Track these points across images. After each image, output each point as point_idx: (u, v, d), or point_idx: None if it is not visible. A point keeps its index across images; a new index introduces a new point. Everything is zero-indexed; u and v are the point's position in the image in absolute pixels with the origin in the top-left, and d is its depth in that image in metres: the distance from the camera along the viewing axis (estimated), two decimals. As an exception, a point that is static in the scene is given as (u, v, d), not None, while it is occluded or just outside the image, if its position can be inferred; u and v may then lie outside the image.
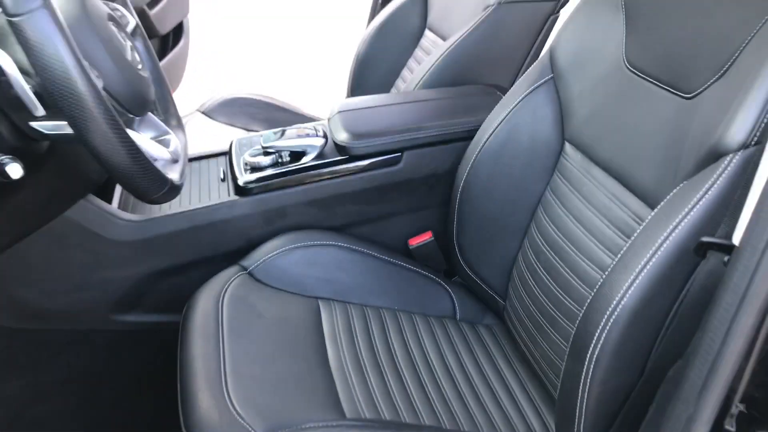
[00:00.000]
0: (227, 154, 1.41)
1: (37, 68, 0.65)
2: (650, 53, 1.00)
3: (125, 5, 0.97)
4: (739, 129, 0.79)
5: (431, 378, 1.09)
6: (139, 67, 0.86)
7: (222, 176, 1.35)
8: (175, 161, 0.89)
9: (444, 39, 1.67)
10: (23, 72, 0.72)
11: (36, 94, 0.74)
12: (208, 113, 1.83)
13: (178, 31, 2.61)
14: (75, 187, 1.11)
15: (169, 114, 1.00)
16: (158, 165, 0.82)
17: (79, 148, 1.05)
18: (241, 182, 1.28)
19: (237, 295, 1.14)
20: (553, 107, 1.16)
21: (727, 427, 0.69)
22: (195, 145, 1.53)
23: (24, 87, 0.72)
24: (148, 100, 0.88)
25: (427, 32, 1.80)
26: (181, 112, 1.17)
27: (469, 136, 1.27)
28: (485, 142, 1.20)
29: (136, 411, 1.38)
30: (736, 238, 0.70)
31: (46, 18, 0.63)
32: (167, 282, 1.27)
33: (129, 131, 0.75)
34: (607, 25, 1.10)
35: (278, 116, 1.87)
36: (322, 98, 3.42)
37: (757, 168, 0.71)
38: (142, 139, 0.83)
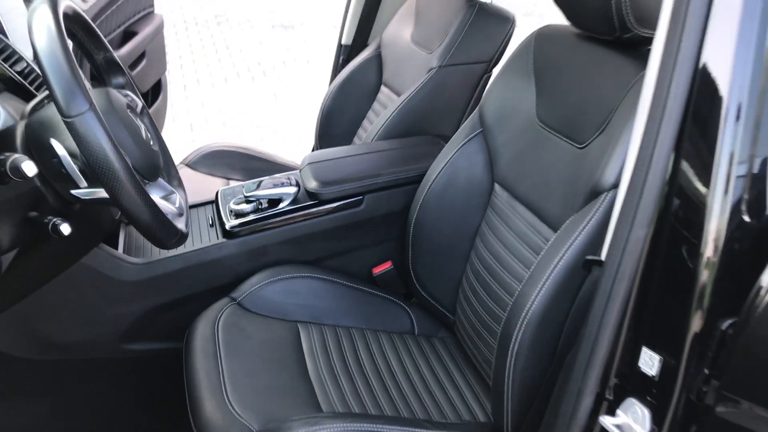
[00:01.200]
0: (214, 202, 1.64)
1: (84, 153, 0.88)
2: (554, 112, 1.27)
3: (133, 90, 1.20)
4: (610, 173, 1.05)
5: (393, 381, 1.33)
6: (151, 143, 1.10)
7: (210, 222, 1.58)
8: (180, 214, 1.12)
9: (397, 94, 1.94)
10: (70, 154, 0.96)
11: (80, 170, 0.97)
12: (192, 165, 2.06)
13: (157, 88, 2.84)
14: (91, 237, 1.33)
15: (171, 176, 1.23)
16: (168, 218, 1.05)
17: (96, 207, 1.28)
18: (227, 227, 1.51)
19: (229, 322, 1.36)
20: (483, 155, 1.42)
21: (607, 396, 0.94)
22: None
23: (72, 165, 0.96)
24: (158, 167, 1.11)
25: (383, 88, 2.06)
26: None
27: (418, 179, 1.52)
28: (431, 185, 1.45)
29: (144, 425, 1.58)
30: (604, 255, 0.96)
31: (92, 118, 0.87)
32: (167, 314, 1.48)
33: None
34: (522, 88, 1.36)
35: (254, 165, 2.10)
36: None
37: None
38: (156, 199, 1.06)
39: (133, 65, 2.55)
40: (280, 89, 4.80)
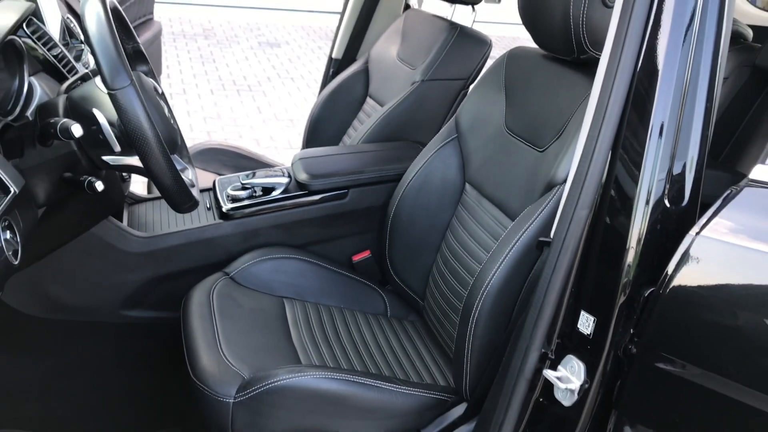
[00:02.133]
0: (211, 190, 1.81)
1: (124, 122, 1.04)
2: (520, 121, 1.47)
3: (154, 77, 1.37)
4: (562, 170, 1.24)
5: (366, 350, 1.49)
6: (172, 120, 1.26)
7: (208, 206, 1.74)
8: (193, 185, 1.28)
9: (381, 105, 2.12)
10: (109, 123, 1.12)
11: (116, 137, 1.13)
12: (187, 159, 2.21)
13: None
14: (103, 209, 1.48)
15: (183, 154, 1.39)
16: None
17: (111, 181, 1.43)
18: (224, 209, 1.67)
19: (223, 292, 1.52)
20: (457, 158, 1.61)
21: (550, 356, 1.12)
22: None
23: (110, 132, 1.12)
24: (177, 142, 1.27)
25: (368, 99, 2.25)
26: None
27: (398, 178, 1.70)
28: (408, 183, 1.64)
29: (141, 388, 1.71)
30: (552, 234, 1.14)
31: (133, 92, 1.04)
32: (166, 285, 1.63)
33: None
34: (494, 100, 1.56)
35: (245, 163, 2.27)
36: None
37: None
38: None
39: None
40: (265, 103, 4.97)
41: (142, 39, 2.76)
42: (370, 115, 2.15)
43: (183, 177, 1.22)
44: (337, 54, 2.39)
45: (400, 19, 2.23)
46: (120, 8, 1.25)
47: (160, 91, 1.31)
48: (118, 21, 1.27)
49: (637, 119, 1.06)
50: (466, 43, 1.96)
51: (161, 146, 1.08)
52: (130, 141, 1.06)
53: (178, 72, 5.42)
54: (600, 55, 1.26)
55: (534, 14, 1.37)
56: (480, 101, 1.61)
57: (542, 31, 1.37)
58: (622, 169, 1.08)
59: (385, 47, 2.21)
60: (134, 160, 1.14)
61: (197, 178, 1.35)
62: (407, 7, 2.39)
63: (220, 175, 2.22)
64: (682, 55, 1.04)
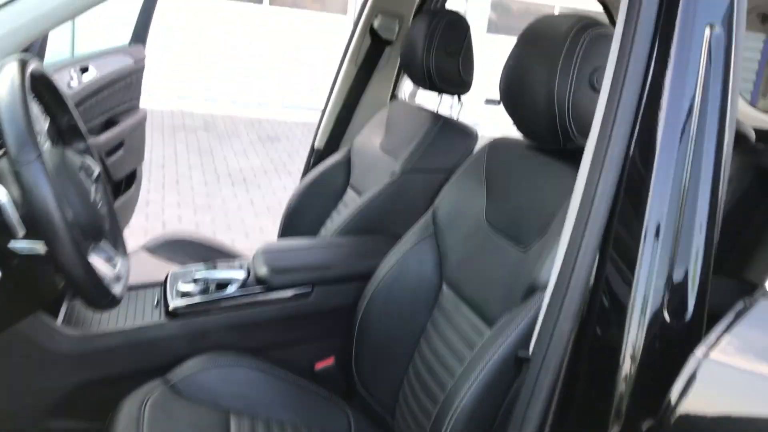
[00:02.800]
0: (163, 284, 1.63)
1: (27, 201, 0.89)
2: (502, 216, 1.31)
3: (92, 157, 1.23)
4: (545, 273, 1.07)
5: None
6: (99, 206, 1.11)
7: (156, 302, 1.56)
8: (118, 279, 1.12)
9: (361, 196, 1.99)
10: (15, 202, 0.96)
11: (22, 220, 0.97)
12: (151, 250, 2.06)
13: (131, 177, 2.89)
14: (28, 303, 1.31)
15: (117, 243, 1.23)
16: (105, 281, 1.05)
17: (36, 271, 1.26)
18: (171, 306, 1.49)
19: (158, 405, 1.31)
20: (433, 254, 1.45)
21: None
22: (137, 276, 1.74)
23: (12, 212, 0.96)
24: (102, 230, 1.11)
25: (348, 190, 2.12)
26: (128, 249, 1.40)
27: (368, 275, 1.53)
28: (380, 282, 1.46)
29: None
30: (531, 348, 0.96)
31: (39, 168, 0.89)
32: (100, 391, 1.43)
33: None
34: (474, 193, 1.41)
35: (213, 256, 2.10)
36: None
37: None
38: (96, 259, 1.06)
39: (110, 153, 2.60)
40: (258, 196, 4.89)
41: (123, 125, 2.68)
42: (349, 206, 2.01)
43: (105, 269, 1.06)
44: (319, 144, 2.29)
45: (385, 110, 2.13)
46: (50, 77, 1.12)
47: (94, 174, 1.17)
48: (50, 92, 1.15)
49: (629, 215, 0.90)
50: (450, 134, 1.84)
51: (69, 232, 0.92)
52: (34, 223, 0.91)
53: (173, 163, 5.38)
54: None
55: (515, 98, 1.24)
56: (459, 193, 1.46)
57: (525, 117, 1.24)
58: (613, 273, 0.91)
59: (369, 138, 2.10)
60: (41, 247, 0.97)
61: (127, 270, 1.19)
62: (394, 97, 2.30)
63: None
64: (681, 144, 0.89)
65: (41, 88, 1.12)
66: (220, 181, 5.09)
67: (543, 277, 1.07)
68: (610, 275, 0.91)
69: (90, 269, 0.96)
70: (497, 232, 1.30)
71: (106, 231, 1.15)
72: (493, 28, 8.28)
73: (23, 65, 0.98)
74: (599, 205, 0.90)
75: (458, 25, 1.82)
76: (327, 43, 7.85)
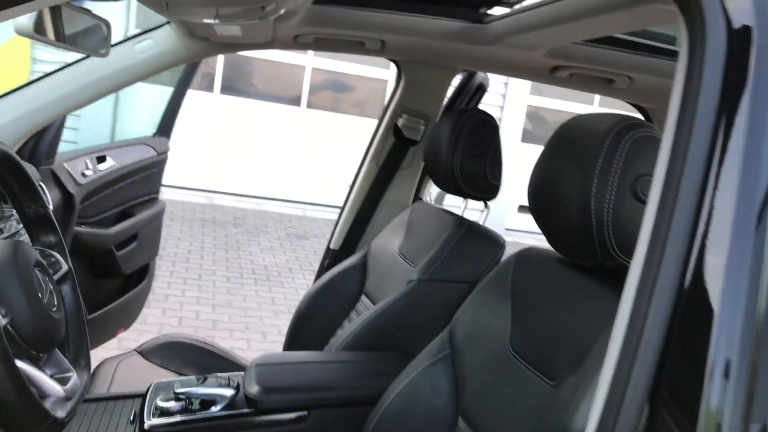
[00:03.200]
0: (144, 396, 1.45)
1: None
2: (528, 342, 1.12)
3: (62, 253, 1.09)
4: (581, 418, 0.87)
5: None
6: (54, 309, 0.96)
7: (131, 418, 1.37)
8: (67, 399, 0.94)
9: (375, 304, 1.81)
10: None
11: None
12: (145, 354, 1.89)
13: (143, 272, 2.76)
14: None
15: (80, 354, 1.07)
16: (48, 401, 0.87)
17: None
18: (146, 426, 1.30)
19: None
20: (449, 382, 1.24)
21: None
22: (122, 384, 1.57)
23: None
24: (54, 339, 0.95)
25: (363, 297, 1.95)
26: (118, 351, 1.23)
27: (373, 400, 1.32)
28: (385, 409, 1.26)
29: None
30: None
31: None
32: None
33: (24, 366, 0.82)
34: (498, 311, 1.23)
35: (212, 362, 1.92)
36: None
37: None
38: (37, 374, 0.89)
39: (123, 245, 2.50)
40: (280, 294, 4.74)
41: (138, 218, 2.60)
42: (362, 315, 1.83)
43: (51, 387, 0.89)
44: (335, 244, 2.14)
45: (406, 212, 1.98)
46: (16, 158, 1.00)
47: (60, 272, 1.02)
48: (16, 175, 1.02)
49: (687, 352, 0.71)
50: (474, 241, 1.67)
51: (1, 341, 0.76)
52: None
53: (198, 257, 5.30)
54: (631, 262, 0.94)
55: (545, 207, 1.08)
56: (481, 310, 1.28)
57: (556, 228, 1.07)
58: (668, 425, 0.71)
59: (387, 241, 1.95)
60: None
61: (84, 388, 1.01)
62: (417, 200, 2.16)
63: (179, 374, 1.87)
64: (752, 266, 0.71)
65: (4, 170, 1.00)
66: (243, 278, 4.96)
67: (577, 423, 0.87)
68: (662, 427, 0.71)
69: (21, 386, 0.80)
70: (523, 360, 1.10)
71: (60, 340, 0.98)
72: (528, 137, 8.26)
73: None
74: (649, 339, 0.72)
75: (486, 125, 1.69)
76: (362, 145, 7.89)
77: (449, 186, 1.72)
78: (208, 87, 7.57)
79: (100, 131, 6.68)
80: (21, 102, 1.72)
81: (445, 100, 2.14)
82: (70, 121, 6.37)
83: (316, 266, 5.50)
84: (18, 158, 1.00)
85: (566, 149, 1.05)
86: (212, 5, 1.14)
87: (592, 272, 1.07)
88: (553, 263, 1.17)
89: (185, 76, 2.67)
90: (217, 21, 1.25)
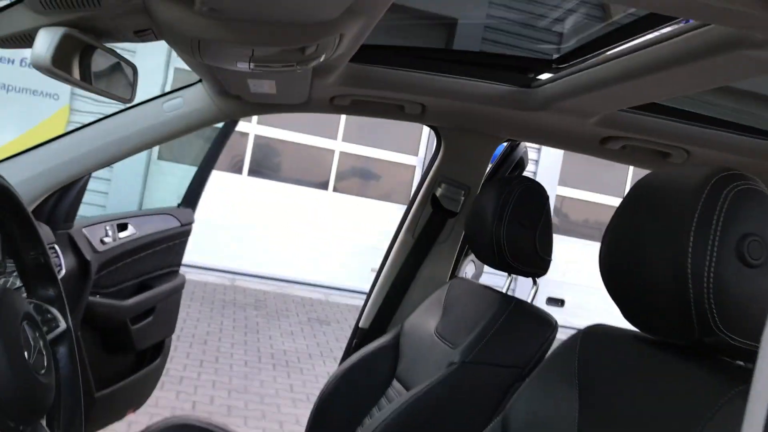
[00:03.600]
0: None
1: None
2: (603, 434, 0.93)
3: (61, 309, 0.95)
4: None
5: None
6: (42, 371, 0.80)
7: None
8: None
9: (408, 390, 1.62)
10: None
11: None
12: (151, 436, 1.71)
13: (158, 348, 2.61)
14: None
15: (72, 426, 0.91)
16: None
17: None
18: None
19: None
20: (503, 481, 1.05)
21: None
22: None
23: None
24: (38, 407, 0.79)
25: (394, 382, 1.76)
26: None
27: None
28: None
29: None
30: None
31: None
32: None
33: None
34: (562, 398, 1.04)
35: (224, 450, 1.73)
36: None
37: None
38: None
39: (138, 319, 2.38)
40: (299, 381, 4.51)
41: (156, 290, 2.48)
42: (393, 402, 1.64)
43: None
44: (364, 323, 1.97)
45: (443, 288, 1.82)
46: (19, 198, 0.87)
47: (57, 330, 0.88)
48: (14, 217, 0.89)
49: None
50: (522, 322, 1.50)
51: None
52: None
53: (217, 340, 5.12)
54: (741, 343, 0.76)
55: (627, 277, 0.92)
56: (541, 399, 1.09)
57: (640, 303, 0.91)
58: None
59: (423, 320, 1.78)
60: None
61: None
62: (455, 276, 2.00)
63: (187, 463, 1.67)
64: None
65: (9, 214, 0.87)
66: (261, 362, 4.76)
67: None
68: None
69: None
70: (598, 457, 0.91)
71: (46, 409, 0.82)
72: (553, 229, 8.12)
73: None
74: None
75: (535, 194, 1.56)
76: (388, 231, 7.80)
77: (494, 260, 1.57)
78: (237, 169, 7.61)
79: (130, 197, 6.70)
80: (42, 158, 1.64)
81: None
82: (100, 185, 6.44)
83: (337, 353, 5.32)
84: (18, 196, 0.88)
85: (651, 208, 0.90)
86: (248, 44, 1.04)
87: (684, 351, 0.90)
88: (631, 341, 0.99)
89: (215, 145, 2.61)
90: (252, 67, 1.16)
